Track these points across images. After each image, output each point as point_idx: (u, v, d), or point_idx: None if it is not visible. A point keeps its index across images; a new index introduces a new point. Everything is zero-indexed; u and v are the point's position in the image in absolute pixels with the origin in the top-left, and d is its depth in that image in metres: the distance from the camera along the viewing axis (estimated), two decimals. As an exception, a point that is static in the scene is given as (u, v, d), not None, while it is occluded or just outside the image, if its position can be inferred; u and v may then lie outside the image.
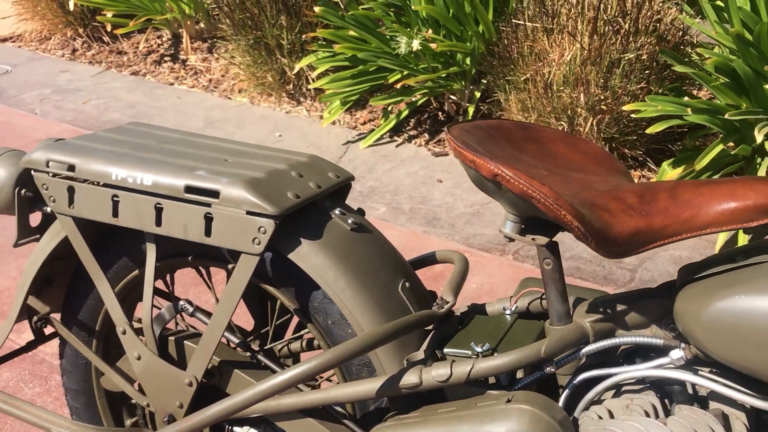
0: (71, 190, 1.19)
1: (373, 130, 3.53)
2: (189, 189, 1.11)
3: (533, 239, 0.98)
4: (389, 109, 3.57)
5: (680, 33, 3.02)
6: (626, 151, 3.05)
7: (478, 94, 3.46)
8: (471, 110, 3.43)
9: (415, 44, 3.13)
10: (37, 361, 2.09)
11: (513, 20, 3.14)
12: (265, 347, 1.31)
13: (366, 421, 1.18)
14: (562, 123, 3.04)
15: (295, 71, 3.69)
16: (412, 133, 3.58)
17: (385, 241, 1.22)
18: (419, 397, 1.11)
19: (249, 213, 1.08)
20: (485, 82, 3.47)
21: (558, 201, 0.88)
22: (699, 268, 0.98)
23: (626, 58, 2.89)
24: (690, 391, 0.98)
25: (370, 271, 1.13)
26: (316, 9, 3.31)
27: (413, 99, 3.51)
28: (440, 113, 3.65)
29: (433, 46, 3.05)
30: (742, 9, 2.68)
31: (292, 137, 3.56)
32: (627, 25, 2.92)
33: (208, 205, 1.10)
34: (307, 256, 1.10)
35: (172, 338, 1.25)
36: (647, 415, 0.95)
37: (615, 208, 0.93)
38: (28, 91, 4.26)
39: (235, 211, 1.08)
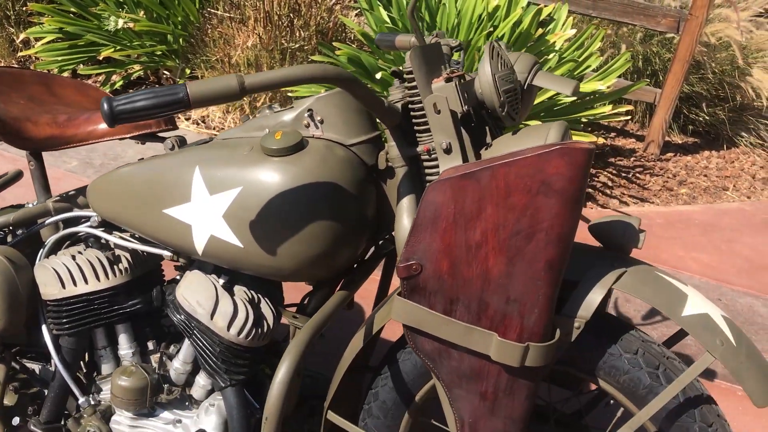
0: None
1: (93, 98, 3.92)
2: None
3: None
4: (111, 80, 3.97)
5: (341, 29, 3.69)
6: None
7: (188, 71, 3.95)
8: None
9: (120, 22, 3.56)
10: None
11: (208, 9, 3.66)
12: None
13: None
14: (244, 98, 3.61)
15: (20, 39, 3.99)
16: (129, 103, 3.99)
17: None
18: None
19: None
20: (196, 60, 3.97)
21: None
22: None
23: (292, 47, 3.50)
24: (110, 242, 1.51)
25: None
26: (32, -13, 3.66)
27: (129, 71, 3.93)
28: (157, 86, 4.09)
29: (131, 25, 3.50)
30: (375, 15, 3.37)
31: (13, 101, 3.86)
32: (296, 20, 3.54)
33: None
34: None
35: None
36: (72, 257, 1.48)
37: (42, 122, 1.45)
38: None
39: None
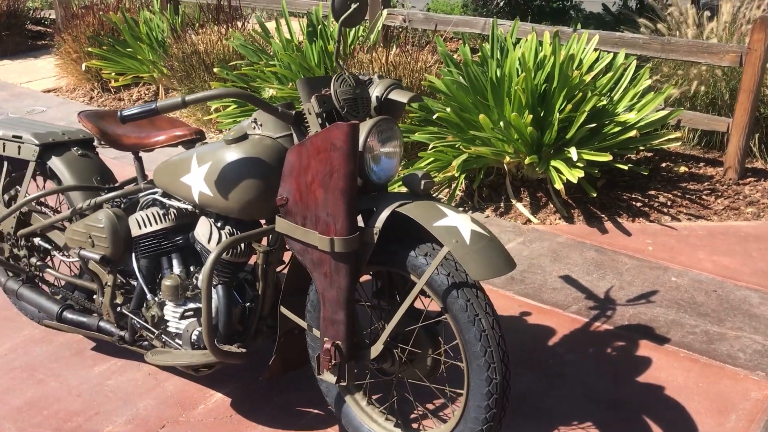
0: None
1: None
2: (15, 136, 2.86)
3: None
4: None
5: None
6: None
7: (325, 126, 5.13)
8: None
9: (270, 92, 4.85)
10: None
11: (332, 76, 4.81)
12: None
13: None
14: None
15: (213, 109, 5.48)
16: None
17: (101, 162, 2.92)
18: None
19: (36, 145, 2.81)
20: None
21: (86, 124, 2.57)
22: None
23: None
24: (164, 203, 2.58)
25: (86, 175, 2.82)
26: (215, 69, 5.12)
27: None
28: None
29: (273, 92, 4.76)
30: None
31: (204, 153, 5.33)
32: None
33: (20, 141, 2.85)
34: (53, 162, 2.82)
35: None
36: (145, 212, 2.56)
37: (132, 136, 2.59)
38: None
39: (27, 142, 2.82)
